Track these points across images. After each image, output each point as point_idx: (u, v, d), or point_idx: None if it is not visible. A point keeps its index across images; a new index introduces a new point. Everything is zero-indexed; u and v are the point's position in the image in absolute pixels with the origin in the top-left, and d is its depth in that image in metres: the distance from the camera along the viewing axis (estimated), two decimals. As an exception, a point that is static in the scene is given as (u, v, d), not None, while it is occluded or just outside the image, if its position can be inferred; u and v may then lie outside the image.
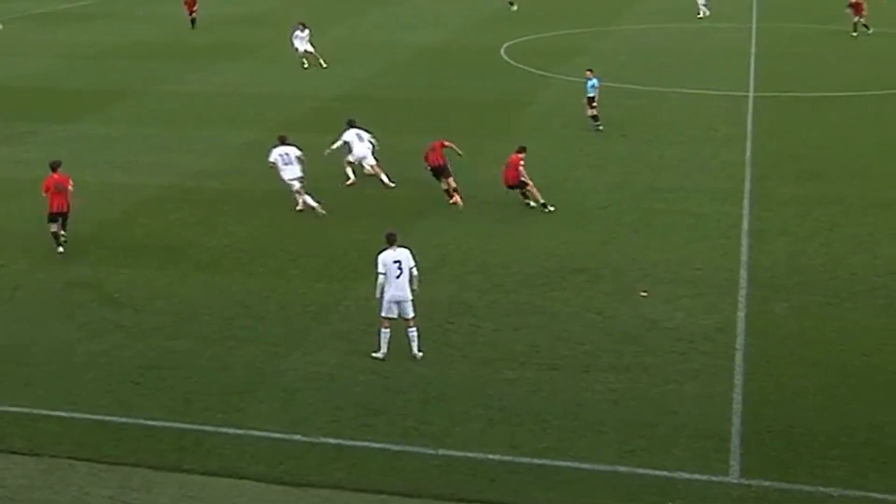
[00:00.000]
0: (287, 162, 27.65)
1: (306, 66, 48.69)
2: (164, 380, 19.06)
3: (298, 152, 27.88)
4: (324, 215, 27.31)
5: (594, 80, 35.81)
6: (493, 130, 36.10)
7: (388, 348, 19.48)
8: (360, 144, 29.92)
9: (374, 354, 19.56)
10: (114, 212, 28.38)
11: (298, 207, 27.75)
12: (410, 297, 19.40)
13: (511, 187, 27.95)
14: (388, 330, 19.46)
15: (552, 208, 27.69)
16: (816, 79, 44.60)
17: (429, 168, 28.65)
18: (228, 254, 25.20)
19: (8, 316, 22.05)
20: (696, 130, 36.30)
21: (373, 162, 29.87)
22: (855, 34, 53.94)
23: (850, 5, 54.60)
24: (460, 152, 28.88)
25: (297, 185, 27.74)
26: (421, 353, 19.61)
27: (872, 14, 55.16)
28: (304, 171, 27.76)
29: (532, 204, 27.85)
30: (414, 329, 19.52)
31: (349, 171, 30.22)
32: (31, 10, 71.16)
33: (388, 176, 29.88)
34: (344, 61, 50.24)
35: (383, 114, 33.48)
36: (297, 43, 49.35)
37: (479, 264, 24.24)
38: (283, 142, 28.17)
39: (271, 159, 27.84)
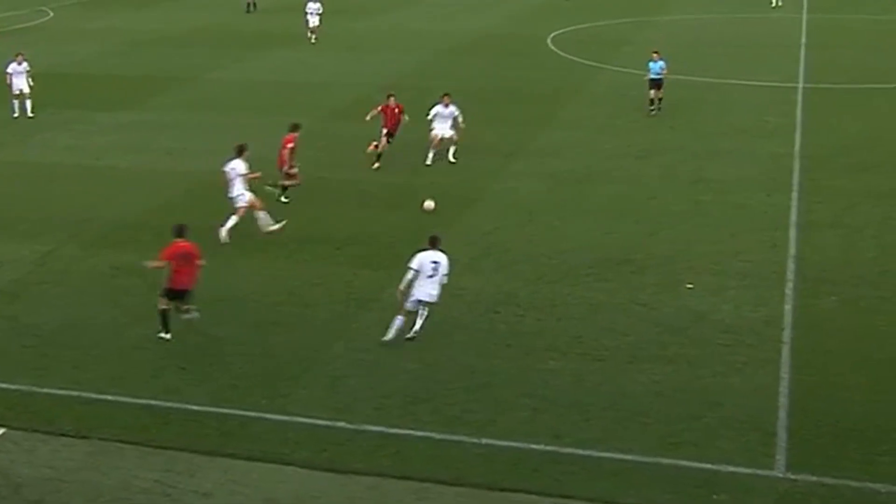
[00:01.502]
0: (232, 178, 25.31)
1: (313, 41, 51.88)
2: (210, 365, 19.20)
3: (243, 170, 25.28)
4: (279, 229, 25.44)
5: (661, 63, 36.16)
6: (539, 120, 35.99)
7: (395, 334, 19.51)
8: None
9: (383, 339, 19.54)
10: (162, 198, 28.57)
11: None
12: (437, 300, 19.47)
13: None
14: (402, 318, 19.51)
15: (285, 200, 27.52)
16: (867, 70, 44.04)
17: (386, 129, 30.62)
18: (275, 240, 25.28)
19: (56, 300, 22.28)
20: (744, 121, 35.99)
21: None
22: None
23: None
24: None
25: (236, 202, 25.30)
26: (414, 335, 19.59)
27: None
28: (247, 189, 25.37)
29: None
30: (426, 309, 19.63)
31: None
32: (81, -2, 71.84)
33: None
34: (390, 50, 50.33)
35: (429, 103, 33.41)
36: (308, 15, 52.22)
37: (524, 254, 24.18)
38: (238, 153, 25.59)
39: (226, 168, 25.43)
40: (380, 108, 31.10)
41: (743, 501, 15.13)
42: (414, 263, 19.40)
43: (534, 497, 15.23)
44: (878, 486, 15.34)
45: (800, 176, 29.69)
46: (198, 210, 27.74)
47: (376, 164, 30.69)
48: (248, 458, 16.22)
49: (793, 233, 25.35)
